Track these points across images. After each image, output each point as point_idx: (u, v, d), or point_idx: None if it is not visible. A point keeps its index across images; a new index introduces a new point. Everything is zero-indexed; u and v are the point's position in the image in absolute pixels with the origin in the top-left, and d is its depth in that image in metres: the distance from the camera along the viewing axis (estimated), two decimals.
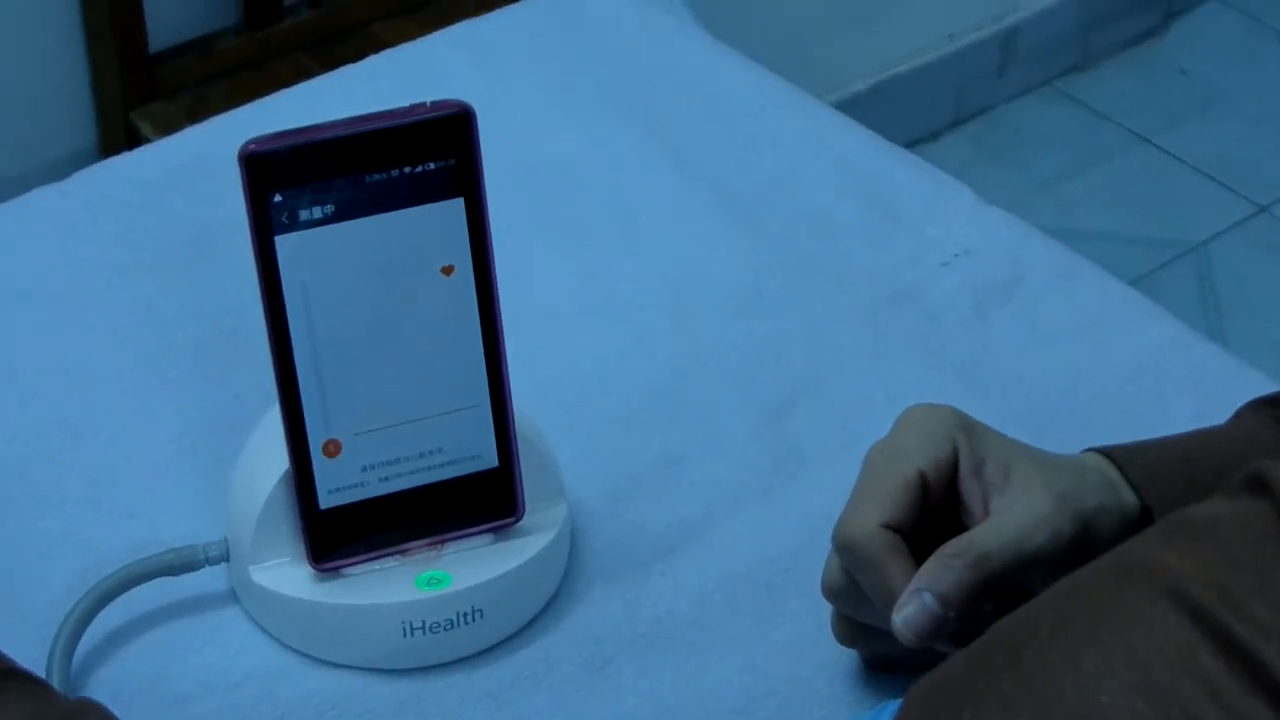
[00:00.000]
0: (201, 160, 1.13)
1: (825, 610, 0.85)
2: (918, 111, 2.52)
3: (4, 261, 1.06)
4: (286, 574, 0.85)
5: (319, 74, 1.25)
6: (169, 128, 1.57)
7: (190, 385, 0.99)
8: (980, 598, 0.77)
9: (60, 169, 1.16)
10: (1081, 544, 0.78)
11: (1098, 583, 0.64)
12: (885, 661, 0.86)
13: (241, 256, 0.81)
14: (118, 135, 1.77)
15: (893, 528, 0.79)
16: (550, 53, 1.24)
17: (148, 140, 1.54)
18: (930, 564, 0.78)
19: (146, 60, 1.76)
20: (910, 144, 2.46)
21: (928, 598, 0.77)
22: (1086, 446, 0.84)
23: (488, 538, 0.87)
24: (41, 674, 0.83)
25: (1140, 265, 2.36)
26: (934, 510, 0.80)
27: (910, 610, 0.77)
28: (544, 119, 1.18)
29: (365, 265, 0.81)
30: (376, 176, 0.80)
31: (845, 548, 0.80)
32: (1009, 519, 0.78)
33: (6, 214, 1.09)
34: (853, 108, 2.36)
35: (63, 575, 0.89)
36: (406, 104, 0.81)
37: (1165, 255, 2.39)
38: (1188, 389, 1.00)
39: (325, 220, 0.80)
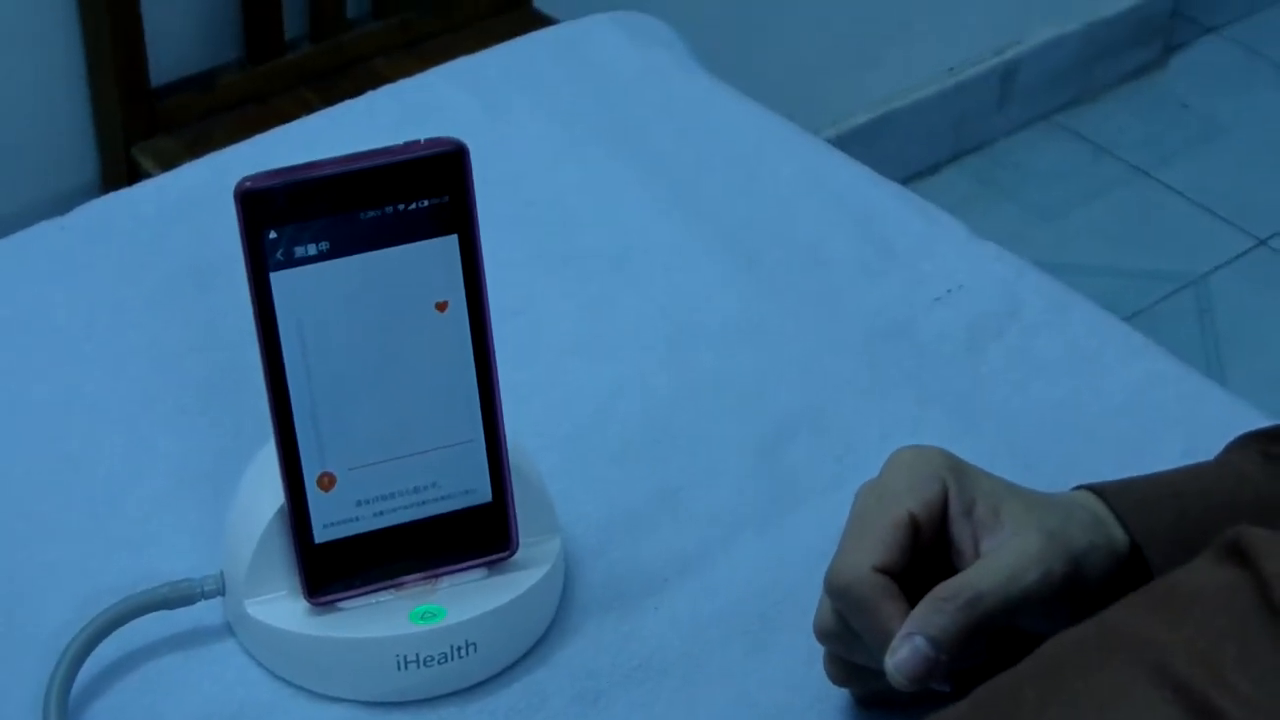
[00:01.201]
0: (200, 195, 1.13)
1: (818, 644, 0.85)
2: (918, 145, 2.53)
3: (4, 295, 1.07)
4: (282, 608, 0.86)
5: (321, 108, 1.26)
6: (170, 162, 1.58)
7: (188, 419, 0.99)
8: (972, 638, 0.78)
9: (62, 203, 1.17)
10: (1072, 582, 0.79)
11: (1081, 655, 0.64)
12: (878, 699, 0.86)
13: (239, 291, 0.81)
14: (119, 170, 1.77)
15: (884, 570, 0.79)
16: (549, 88, 1.25)
17: (149, 175, 1.55)
18: (922, 607, 0.78)
19: (148, 94, 1.76)
20: (910, 177, 2.47)
21: (920, 641, 0.77)
22: (1077, 483, 0.84)
23: (482, 572, 0.87)
24: (39, 706, 0.83)
25: (1140, 299, 2.36)
26: (925, 551, 0.81)
27: (903, 654, 0.77)
28: (542, 154, 1.19)
29: (360, 301, 0.81)
30: (371, 213, 0.81)
31: (838, 592, 0.80)
32: (1000, 560, 0.79)
33: (7, 248, 1.10)
34: (853, 141, 2.38)
35: (60, 608, 0.89)
36: (403, 141, 0.82)
37: (1165, 289, 2.39)
38: (1179, 424, 1.00)
39: (320, 257, 0.80)
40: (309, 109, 1.28)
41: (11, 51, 1.75)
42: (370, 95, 1.25)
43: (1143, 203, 2.52)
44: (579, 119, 1.22)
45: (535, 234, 1.12)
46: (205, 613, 0.88)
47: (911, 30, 2.46)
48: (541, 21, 1.84)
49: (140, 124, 1.77)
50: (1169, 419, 1.01)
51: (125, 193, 1.17)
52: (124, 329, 1.05)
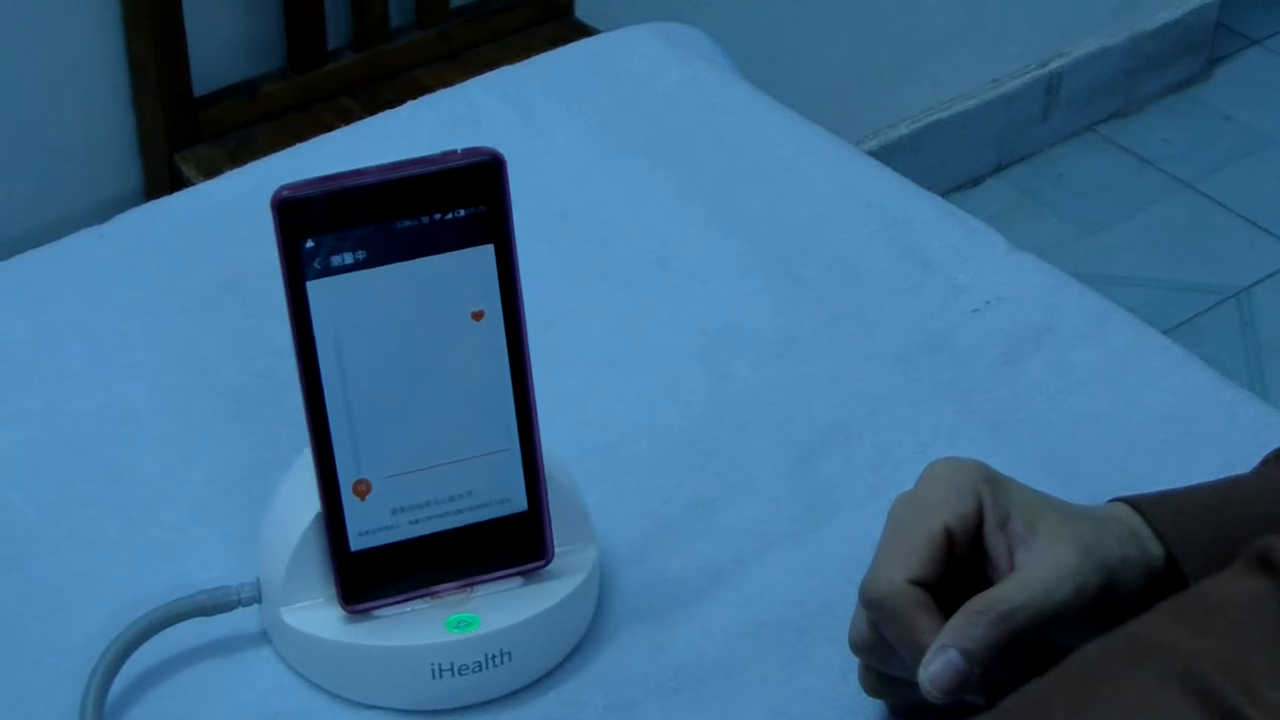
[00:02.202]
0: (240, 204, 1.14)
1: (853, 655, 0.85)
2: (961, 156, 2.53)
3: (44, 303, 1.07)
4: (317, 615, 0.86)
5: (362, 117, 1.26)
6: (213, 170, 1.59)
7: (226, 426, 1.00)
8: (1006, 651, 0.78)
9: (105, 212, 1.17)
10: (1106, 596, 0.78)
11: (1109, 664, 0.64)
12: (912, 710, 0.86)
13: (278, 300, 0.82)
14: (162, 178, 1.78)
15: (919, 583, 0.79)
16: (588, 99, 1.25)
17: (192, 183, 1.55)
18: (956, 620, 0.78)
19: (191, 103, 1.77)
20: (953, 189, 2.47)
21: (954, 654, 0.77)
22: (1114, 495, 0.84)
23: (517, 581, 0.87)
24: (76, 712, 0.84)
25: (1182, 311, 2.35)
26: (959, 564, 0.81)
27: (936, 667, 0.77)
28: (580, 164, 1.19)
29: (396, 310, 0.82)
30: (408, 223, 0.81)
31: (873, 604, 0.80)
32: (1034, 573, 0.78)
33: (47, 256, 1.11)
34: (896, 153, 2.38)
35: (97, 615, 0.89)
36: (440, 151, 0.82)
37: (1208, 301, 2.38)
38: (1216, 436, 1.00)
39: (357, 266, 0.81)
40: (351, 118, 1.28)
41: (56, 60, 1.76)
42: (410, 105, 1.25)
43: (1186, 215, 2.51)
44: (617, 129, 1.22)
45: (571, 245, 1.13)
46: (241, 620, 0.88)
47: (955, 42, 2.46)
48: (583, 31, 1.84)
49: (183, 132, 1.78)
50: (1207, 432, 1.01)
51: (164, 201, 1.18)
52: (161, 337, 1.05)
